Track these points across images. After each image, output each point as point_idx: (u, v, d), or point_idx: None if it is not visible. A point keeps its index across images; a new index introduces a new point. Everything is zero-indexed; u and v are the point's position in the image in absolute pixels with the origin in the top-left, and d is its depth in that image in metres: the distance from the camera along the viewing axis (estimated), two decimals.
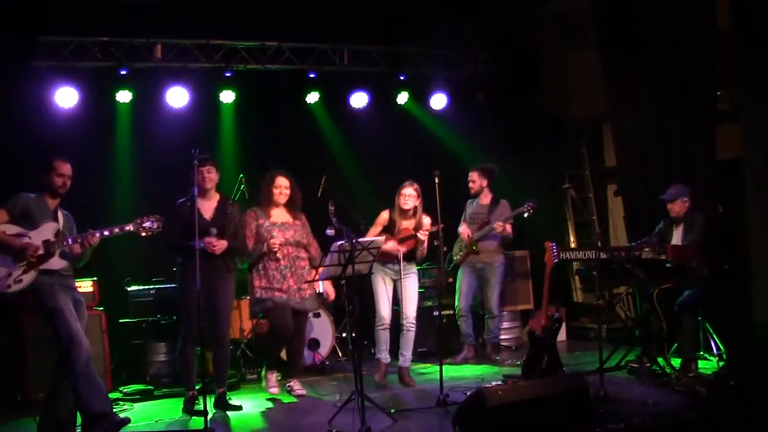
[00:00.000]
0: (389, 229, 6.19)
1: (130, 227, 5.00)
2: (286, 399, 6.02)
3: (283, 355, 6.42)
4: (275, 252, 5.85)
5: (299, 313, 6.02)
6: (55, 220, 5.01)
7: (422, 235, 6.06)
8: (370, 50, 8.46)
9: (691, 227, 6.16)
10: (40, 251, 4.83)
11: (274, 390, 6.07)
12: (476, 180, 7.18)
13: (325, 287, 6.38)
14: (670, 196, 6.27)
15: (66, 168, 5.02)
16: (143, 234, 5.03)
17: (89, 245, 4.97)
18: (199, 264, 5.06)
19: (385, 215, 6.26)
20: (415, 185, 6.22)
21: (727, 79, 7.03)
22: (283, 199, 6.01)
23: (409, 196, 6.17)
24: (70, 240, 4.94)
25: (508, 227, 7.00)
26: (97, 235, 4.95)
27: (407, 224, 6.21)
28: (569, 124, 9.48)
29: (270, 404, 5.90)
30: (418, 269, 6.43)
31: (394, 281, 6.23)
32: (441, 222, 5.86)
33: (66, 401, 4.90)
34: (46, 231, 4.91)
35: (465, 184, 7.29)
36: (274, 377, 6.13)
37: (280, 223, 5.99)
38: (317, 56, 8.25)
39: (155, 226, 5.03)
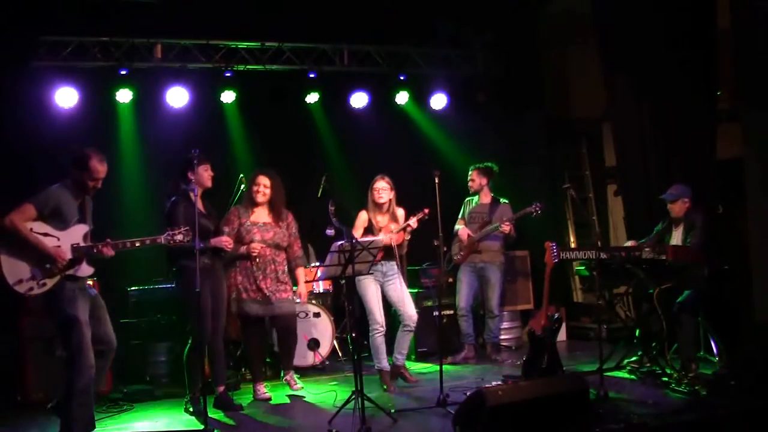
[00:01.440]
0: (369, 229, 6.13)
1: (161, 239, 4.95)
2: (286, 399, 6.02)
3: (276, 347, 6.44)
4: (254, 255, 5.83)
5: (280, 316, 5.98)
6: (83, 217, 4.81)
7: (414, 223, 5.98)
8: (370, 50, 8.46)
9: (691, 229, 6.15)
10: (68, 257, 4.64)
11: (266, 396, 6.03)
12: (475, 179, 7.19)
13: (299, 290, 6.22)
14: (671, 196, 6.26)
15: (102, 170, 4.78)
16: (173, 245, 5.01)
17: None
18: (209, 263, 5.06)
19: (364, 216, 6.17)
20: (387, 178, 6.17)
21: (727, 79, 7.03)
22: (261, 198, 5.96)
23: (383, 189, 6.11)
24: (100, 246, 4.74)
25: (512, 227, 7.00)
26: (128, 244, 4.84)
27: (382, 219, 6.16)
28: (569, 124, 9.47)
29: (270, 404, 5.89)
30: (417, 269, 6.42)
31: (382, 284, 6.15)
32: (426, 208, 5.84)
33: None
34: (75, 234, 4.72)
35: (465, 184, 7.29)
36: (262, 387, 6.09)
37: (261, 223, 5.95)
38: (317, 56, 8.25)
39: (185, 239, 4.98)
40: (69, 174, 4.78)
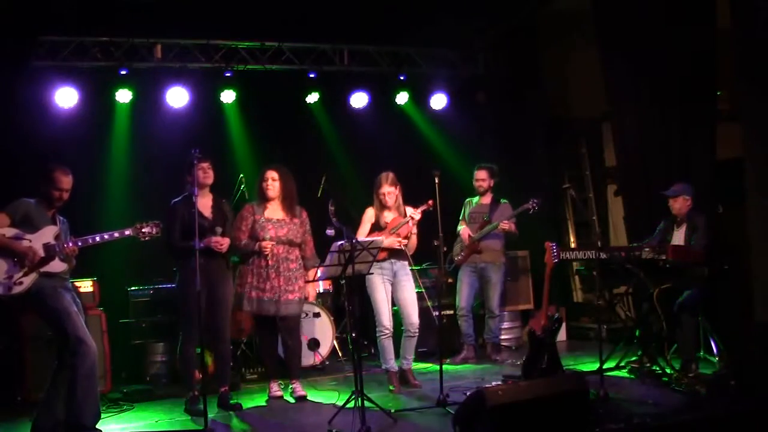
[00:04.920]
0: (377, 226, 6.11)
1: (129, 231, 5.05)
2: (286, 399, 6.01)
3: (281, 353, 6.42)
4: (266, 254, 5.83)
5: (286, 317, 5.94)
6: (55, 223, 5.01)
7: (417, 214, 5.95)
8: (370, 50, 8.46)
9: (694, 230, 6.15)
10: (41, 254, 4.82)
11: (278, 393, 6.04)
12: (486, 179, 7.17)
13: (306, 289, 6.11)
14: (673, 192, 6.26)
15: (67, 181, 4.98)
16: (142, 239, 5.09)
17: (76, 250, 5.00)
18: (202, 263, 5.08)
19: (370, 212, 6.16)
20: (391, 177, 6.11)
21: (727, 79, 7.02)
22: (272, 192, 5.94)
23: (389, 194, 6.06)
24: (70, 243, 4.93)
25: (513, 224, 7.00)
26: (98, 239, 4.96)
27: (389, 215, 6.12)
28: (569, 124, 9.47)
29: (270, 404, 5.90)
30: (417, 269, 6.41)
31: (392, 283, 6.14)
32: (430, 200, 5.82)
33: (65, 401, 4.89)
34: (45, 234, 4.90)
35: (465, 185, 7.29)
36: (276, 384, 6.09)
37: (275, 219, 5.93)
38: (317, 56, 8.25)
39: (154, 231, 5.10)
40: (38, 190, 5.01)
